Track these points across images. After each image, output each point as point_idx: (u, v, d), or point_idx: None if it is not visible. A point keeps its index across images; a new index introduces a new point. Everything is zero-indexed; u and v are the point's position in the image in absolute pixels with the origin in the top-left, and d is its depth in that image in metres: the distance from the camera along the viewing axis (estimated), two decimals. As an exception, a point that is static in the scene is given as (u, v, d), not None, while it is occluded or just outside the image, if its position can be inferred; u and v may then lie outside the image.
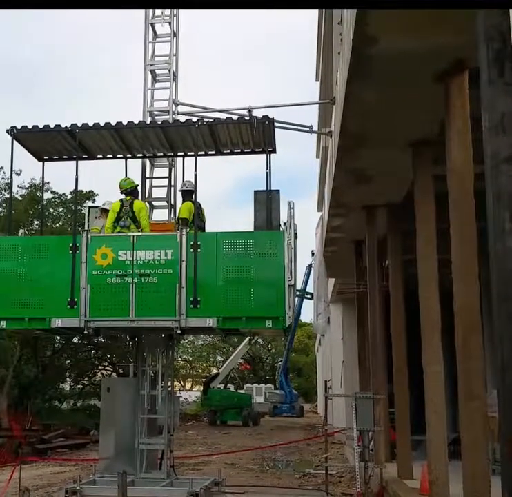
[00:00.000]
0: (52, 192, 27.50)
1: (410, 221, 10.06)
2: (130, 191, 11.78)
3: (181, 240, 10.46)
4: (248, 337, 37.68)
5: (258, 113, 12.62)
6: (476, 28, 4.37)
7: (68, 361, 32.75)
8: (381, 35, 6.47)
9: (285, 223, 10.46)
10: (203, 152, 12.33)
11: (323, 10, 19.04)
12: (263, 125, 11.00)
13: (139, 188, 12.46)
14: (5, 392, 25.13)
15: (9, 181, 24.49)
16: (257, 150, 12.19)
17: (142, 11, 14.69)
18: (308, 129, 14.19)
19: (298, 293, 32.35)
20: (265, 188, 11.18)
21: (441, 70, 7.01)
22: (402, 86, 7.53)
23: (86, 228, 11.51)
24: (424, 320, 9.33)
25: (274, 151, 11.81)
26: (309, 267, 31.37)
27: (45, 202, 26.62)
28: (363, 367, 16.90)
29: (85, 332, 10.49)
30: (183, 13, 14.59)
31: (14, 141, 11.70)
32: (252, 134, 11.44)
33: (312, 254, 25.73)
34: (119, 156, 12.94)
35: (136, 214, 11.38)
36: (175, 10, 14.73)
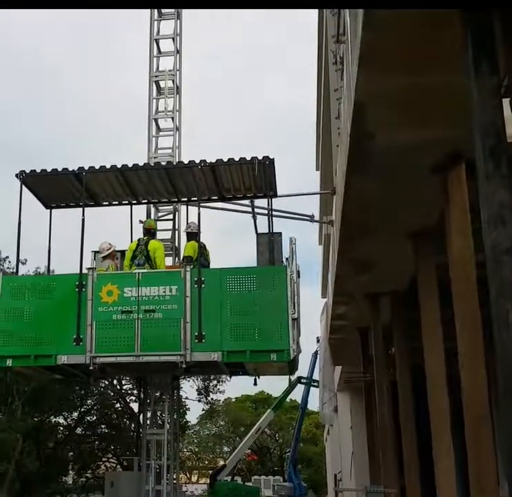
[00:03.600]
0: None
1: (415, 309, 10.00)
2: (152, 231, 12.13)
3: (185, 276, 10.60)
4: (255, 427, 36.93)
5: (259, 203, 12.84)
6: (472, 124, 4.45)
7: (71, 453, 31.99)
8: (377, 130, 6.62)
9: (287, 259, 10.63)
10: (206, 197, 12.60)
11: (322, 105, 19.58)
12: (264, 166, 11.26)
13: None
14: (6, 487, 24.45)
15: (14, 270, 24.49)
16: (258, 194, 12.45)
17: (146, 108, 15.14)
18: (309, 218, 14.34)
19: (304, 381, 31.79)
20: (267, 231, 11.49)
21: (438, 162, 7.13)
22: (400, 178, 7.65)
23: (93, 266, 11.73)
24: (432, 412, 9.13)
25: (275, 195, 12.07)
26: (315, 354, 30.92)
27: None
28: (374, 458, 16.43)
29: (91, 368, 10.50)
30: (185, 109, 15.04)
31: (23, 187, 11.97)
32: (253, 177, 11.69)
33: (318, 341, 25.45)
34: (124, 202, 13.19)
35: (150, 253, 11.65)
36: (178, 105, 15.19)
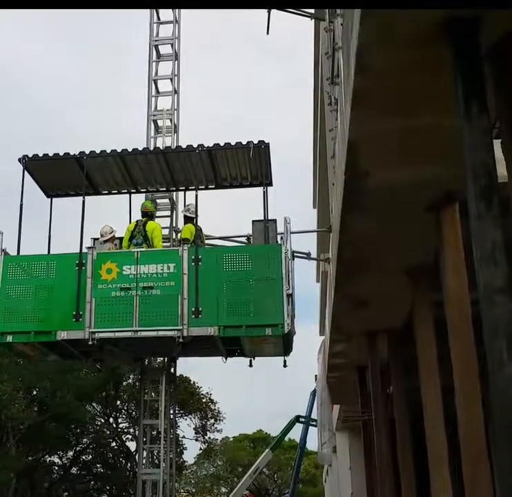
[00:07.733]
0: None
1: (412, 346, 10.00)
2: (149, 214, 12.44)
3: (182, 255, 10.89)
4: (253, 467, 36.50)
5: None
6: (464, 165, 4.52)
7: (66, 493, 31.61)
8: (372, 169, 6.70)
9: (282, 238, 10.96)
10: (203, 186, 12.93)
11: (318, 145, 19.80)
12: (259, 151, 11.55)
13: None
14: (-1, 530, 24.08)
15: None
16: (254, 182, 12.79)
17: (144, 138, 15.33)
18: (306, 255, 14.45)
19: (303, 420, 31.55)
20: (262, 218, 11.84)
21: (432, 201, 7.20)
22: (395, 216, 7.72)
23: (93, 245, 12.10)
24: (430, 450, 9.07)
25: (270, 184, 12.40)
26: (313, 393, 30.73)
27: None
28: (372, 499, 16.24)
29: (90, 343, 10.69)
30: (181, 141, 15.26)
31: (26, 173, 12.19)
32: (249, 164, 11.98)
33: (316, 379, 25.30)
34: (123, 191, 13.50)
35: (148, 234, 12.00)
36: (175, 143, 15.34)
